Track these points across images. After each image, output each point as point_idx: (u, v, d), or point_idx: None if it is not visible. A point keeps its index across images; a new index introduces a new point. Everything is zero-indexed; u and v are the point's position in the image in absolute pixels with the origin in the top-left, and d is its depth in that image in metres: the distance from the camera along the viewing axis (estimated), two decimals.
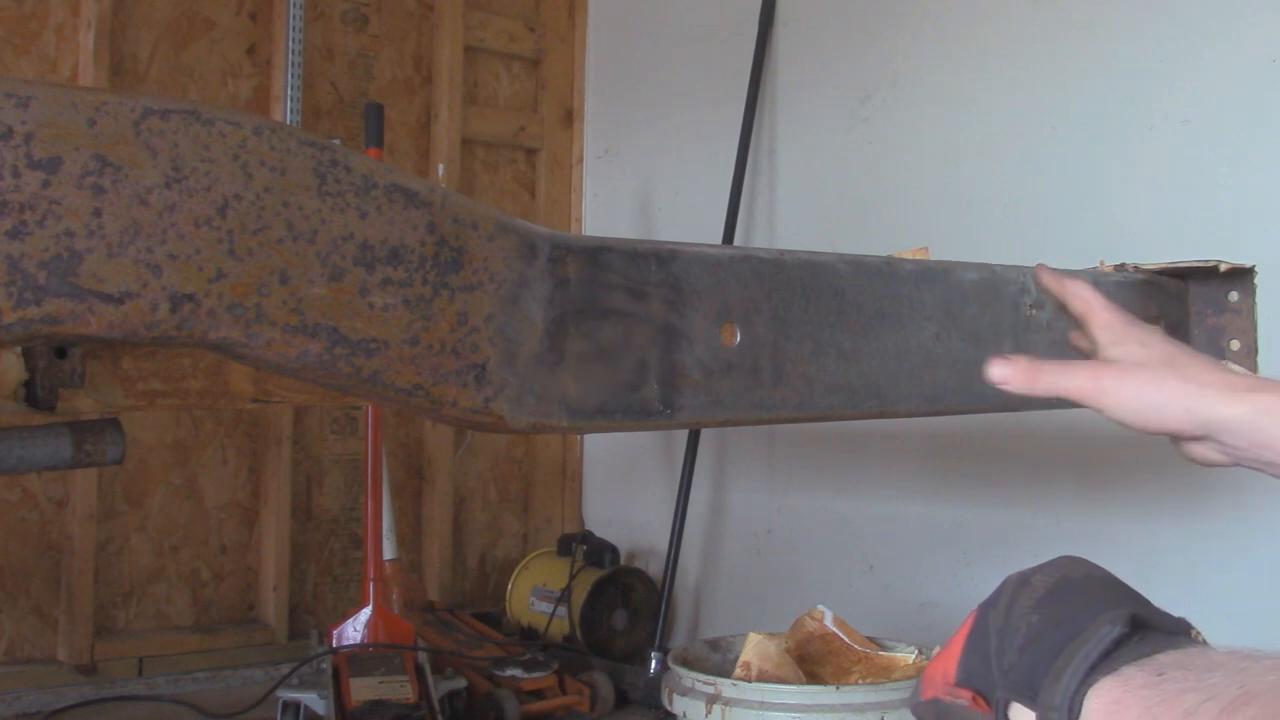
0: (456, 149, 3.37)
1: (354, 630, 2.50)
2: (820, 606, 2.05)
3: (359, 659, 2.35)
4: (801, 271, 1.07)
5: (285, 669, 2.53)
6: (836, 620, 2.03)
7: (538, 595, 3.13)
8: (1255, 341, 1.48)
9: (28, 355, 1.20)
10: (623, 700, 2.72)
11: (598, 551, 3.08)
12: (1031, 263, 1.35)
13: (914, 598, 2.64)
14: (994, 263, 1.27)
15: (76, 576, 2.75)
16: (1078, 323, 1.00)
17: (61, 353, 1.20)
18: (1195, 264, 1.46)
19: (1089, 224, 2.35)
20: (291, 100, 3.00)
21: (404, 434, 3.31)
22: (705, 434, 2.99)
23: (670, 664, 2.00)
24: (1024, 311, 1.27)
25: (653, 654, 2.79)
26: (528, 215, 3.49)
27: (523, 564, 3.26)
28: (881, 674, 1.94)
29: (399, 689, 2.22)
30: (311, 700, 2.30)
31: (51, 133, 0.68)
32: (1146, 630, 0.56)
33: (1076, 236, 2.35)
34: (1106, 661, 0.54)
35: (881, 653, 2.00)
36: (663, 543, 3.05)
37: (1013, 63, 2.52)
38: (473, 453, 3.45)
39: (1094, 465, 2.32)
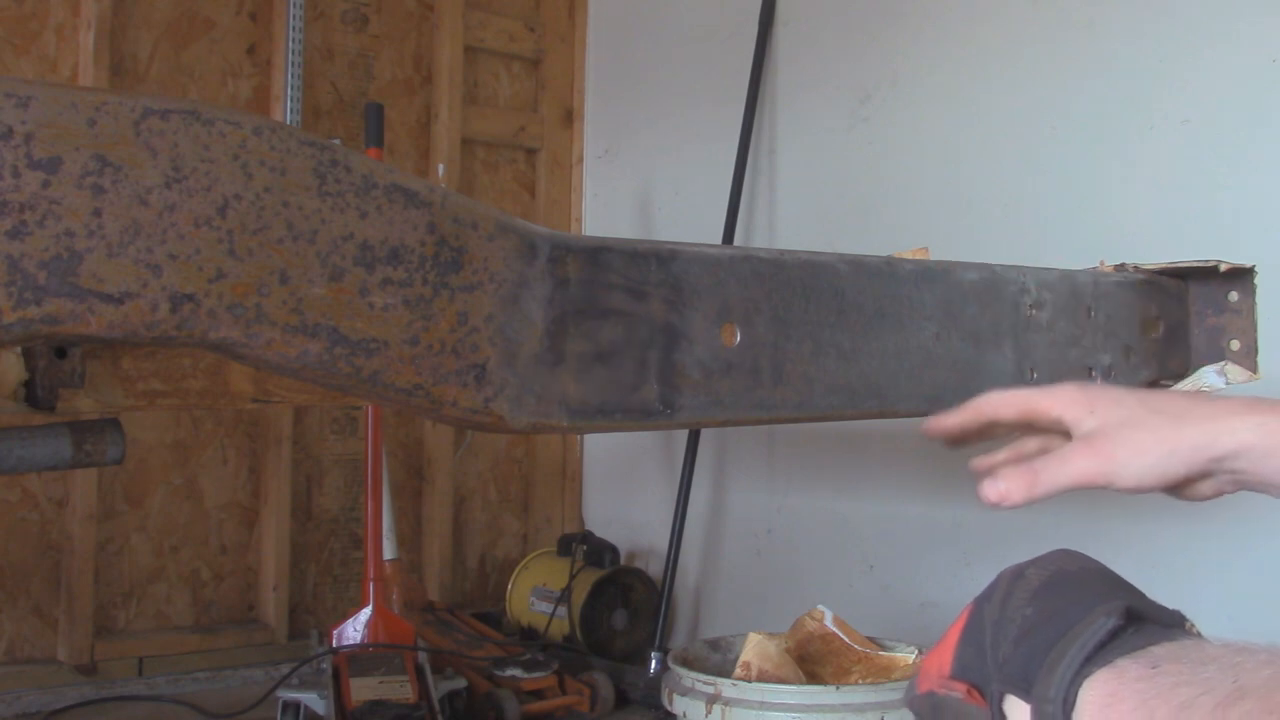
0: (456, 149, 3.37)
1: (354, 630, 2.50)
2: (820, 606, 2.05)
3: (359, 659, 2.35)
4: (801, 271, 1.07)
5: (285, 669, 2.52)
6: (836, 620, 2.03)
7: (538, 595, 3.13)
8: (1255, 341, 1.48)
9: (28, 355, 1.20)
10: (623, 700, 2.72)
11: (598, 551, 3.08)
12: (1032, 263, 1.35)
13: (914, 598, 2.64)
14: (994, 263, 1.27)
15: (76, 576, 2.75)
16: (1021, 431, 0.93)
17: (61, 353, 1.20)
18: (1195, 264, 1.46)
19: (1089, 224, 2.35)
20: (291, 100, 3.00)
21: (404, 434, 3.30)
22: (705, 434, 2.99)
23: (670, 664, 2.00)
24: (1024, 311, 1.27)
25: (653, 654, 2.79)
26: (528, 215, 3.49)
27: (523, 564, 3.26)
28: (881, 674, 1.94)
29: (399, 689, 2.22)
30: (311, 700, 2.30)
31: (51, 133, 0.68)
32: (1141, 622, 0.56)
33: (1076, 236, 2.35)
34: (1101, 654, 0.54)
35: (881, 653, 2.00)
36: (663, 543, 3.05)
37: (1013, 63, 2.52)
38: (473, 453, 3.45)
39: None
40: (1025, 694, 0.57)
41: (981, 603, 0.65)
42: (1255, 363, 1.48)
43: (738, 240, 3.00)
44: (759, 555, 3.02)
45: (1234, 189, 2.15)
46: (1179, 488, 0.85)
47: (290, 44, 3.00)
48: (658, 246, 0.99)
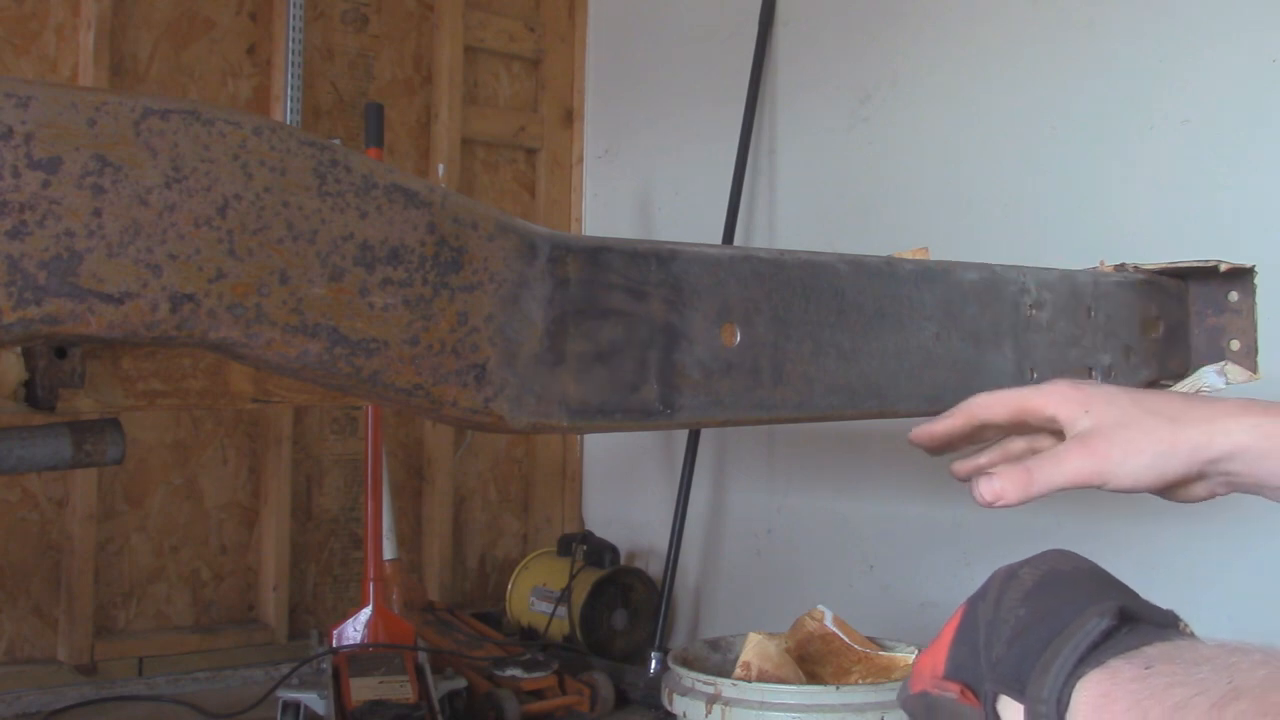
0: (456, 149, 3.37)
1: (354, 630, 2.50)
2: (820, 606, 2.05)
3: (359, 659, 2.35)
4: (801, 271, 1.07)
5: (285, 669, 2.53)
6: (836, 620, 2.03)
7: (538, 595, 3.13)
8: (1255, 341, 1.48)
9: (28, 355, 1.20)
10: (623, 700, 2.72)
11: (598, 551, 3.08)
12: (1032, 263, 1.35)
13: (914, 598, 2.64)
14: (994, 263, 1.27)
15: (76, 576, 2.75)
16: (1012, 432, 0.92)
17: (61, 353, 1.20)
18: (1195, 264, 1.46)
19: (1089, 224, 2.35)
20: (291, 100, 3.00)
21: (404, 434, 3.30)
22: (705, 434, 2.99)
23: (670, 664, 2.00)
24: (1024, 311, 1.27)
25: (653, 654, 2.79)
26: (528, 215, 3.49)
27: (523, 564, 3.26)
28: (881, 674, 1.94)
29: (399, 689, 2.22)
30: (311, 700, 2.30)
31: (51, 133, 0.68)
32: (1134, 622, 0.56)
33: (1076, 236, 2.35)
34: (1094, 654, 0.54)
35: (881, 653, 2.00)
36: (663, 543, 3.05)
37: (1013, 63, 2.52)
38: (473, 453, 3.45)
39: None
40: (1019, 694, 0.56)
41: (975, 602, 0.65)
42: (1255, 363, 1.48)
43: (738, 240, 3.00)
44: (759, 555, 3.02)
45: (1234, 189, 2.15)
46: (1172, 489, 0.84)
47: (290, 44, 3.00)
48: (658, 246, 0.99)
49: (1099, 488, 0.83)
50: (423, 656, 2.40)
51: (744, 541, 3.07)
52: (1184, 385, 1.47)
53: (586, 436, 3.56)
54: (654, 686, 2.59)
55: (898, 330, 1.14)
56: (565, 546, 3.16)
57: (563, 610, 3.02)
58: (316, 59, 3.14)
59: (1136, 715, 0.50)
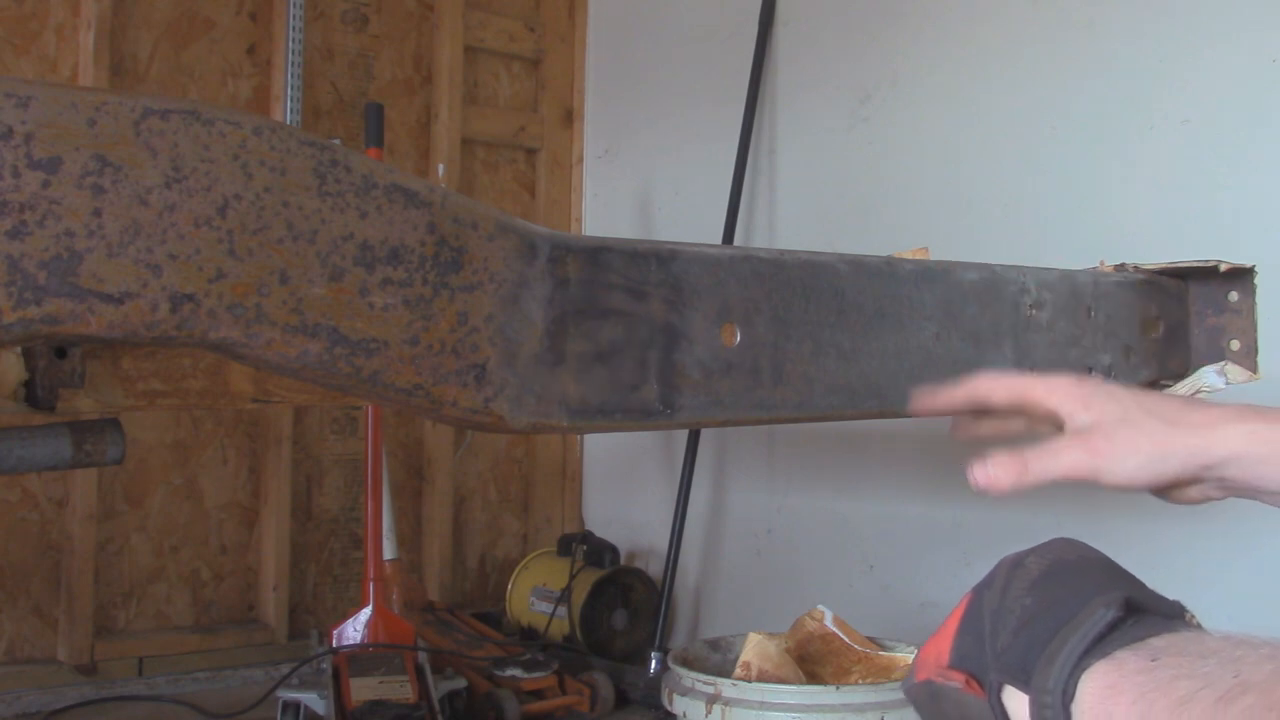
0: (456, 149, 3.37)
1: (354, 630, 2.50)
2: (820, 606, 2.05)
3: (359, 659, 2.35)
4: (801, 271, 1.07)
5: (285, 669, 2.53)
6: (836, 620, 2.03)
7: (538, 595, 3.13)
8: (1255, 341, 1.48)
9: (28, 355, 1.20)
10: (623, 700, 2.72)
11: (598, 551, 3.08)
12: (1032, 263, 1.35)
13: (914, 598, 2.64)
14: (994, 263, 1.27)
15: (76, 576, 2.75)
16: (1014, 414, 0.92)
17: (61, 353, 1.20)
18: (1195, 264, 1.46)
19: (1089, 224, 2.35)
20: (291, 100, 3.00)
21: (404, 434, 3.30)
22: (705, 434, 2.99)
23: (670, 664, 2.00)
24: (1024, 311, 1.27)
25: (653, 654, 2.79)
26: (528, 215, 3.49)
27: (523, 564, 3.26)
28: (881, 674, 1.94)
29: (399, 689, 2.22)
30: (311, 700, 2.30)
31: (51, 133, 0.68)
32: (1141, 613, 0.56)
33: (1076, 236, 2.35)
34: (1100, 645, 0.54)
35: (881, 653, 2.00)
36: (663, 543, 3.05)
37: (1013, 63, 2.52)
38: (473, 453, 3.45)
39: None
40: (1024, 685, 0.56)
41: (980, 591, 0.64)
42: (1255, 363, 1.48)
43: (738, 240, 3.00)
44: (759, 555, 3.02)
45: (1234, 189, 2.15)
46: (1166, 490, 0.85)
47: (290, 44, 3.00)
48: (658, 246, 0.99)
49: (1093, 483, 0.84)
50: (423, 656, 2.40)
51: (744, 541, 3.07)
52: (1184, 385, 1.47)
53: (586, 436, 3.56)
54: (654, 686, 2.59)
55: (898, 330, 1.14)
56: (565, 546, 3.16)
57: (563, 610, 3.02)
58: (316, 59, 3.14)
59: (1142, 708, 0.50)
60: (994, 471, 0.83)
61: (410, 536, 3.27)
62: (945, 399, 0.92)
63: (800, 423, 1.10)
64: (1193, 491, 0.85)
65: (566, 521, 3.57)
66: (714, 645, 2.13)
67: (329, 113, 3.17)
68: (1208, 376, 1.47)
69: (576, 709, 2.58)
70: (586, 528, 3.44)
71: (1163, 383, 1.46)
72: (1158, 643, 0.53)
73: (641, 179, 3.43)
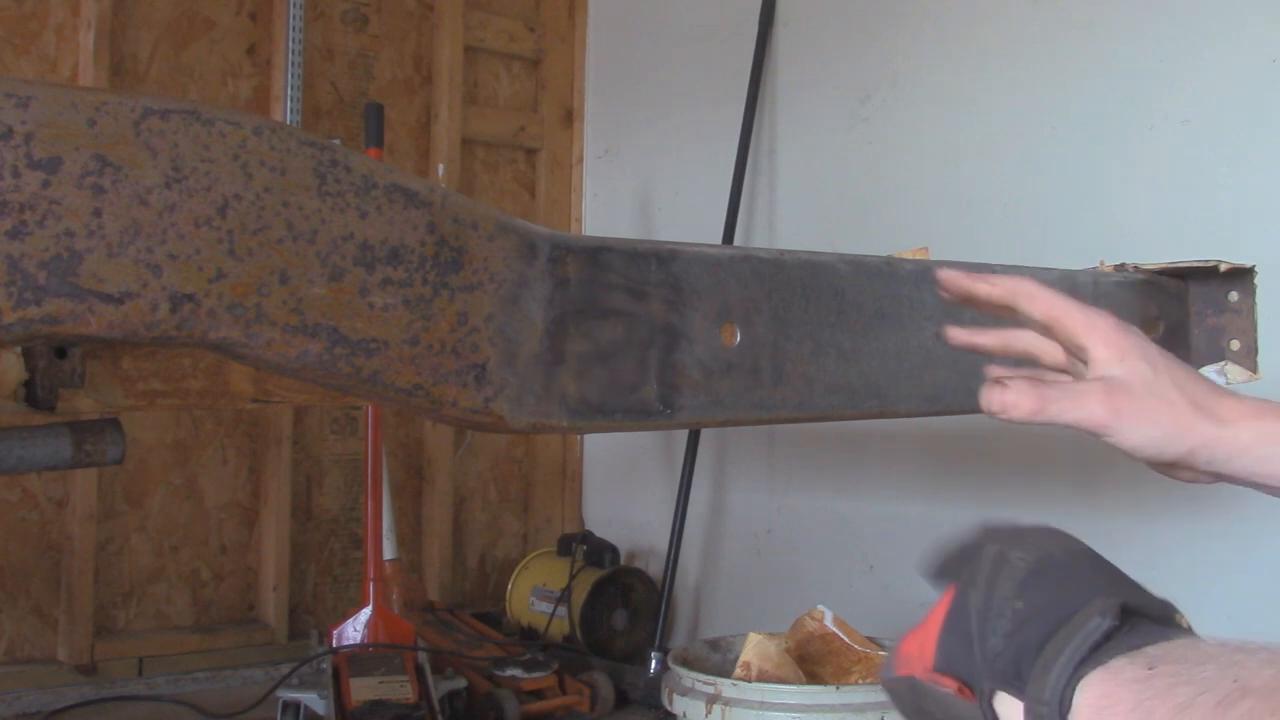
0: (456, 149, 3.37)
1: (354, 630, 2.50)
2: (820, 606, 2.05)
3: (359, 659, 2.35)
4: (801, 271, 1.07)
5: (285, 669, 2.53)
6: (836, 620, 2.03)
7: (538, 595, 3.13)
8: (1255, 341, 1.48)
9: (28, 355, 1.20)
10: (623, 700, 2.72)
11: (598, 551, 3.08)
12: (1032, 263, 1.35)
13: (914, 598, 2.63)
14: (994, 263, 1.27)
15: (76, 576, 2.75)
16: (1037, 330, 0.88)
17: (61, 353, 1.20)
18: (1195, 264, 1.46)
19: (1089, 224, 2.35)
20: (291, 100, 3.00)
21: (404, 434, 3.30)
22: (705, 434, 2.99)
23: (670, 664, 2.00)
24: None
25: (653, 654, 2.79)
26: (528, 215, 3.49)
27: (523, 564, 3.26)
28: None
29: (399, 689, 2.22)
30: (311, 700, 2.30)
31: (51, 133, 0.68)
32: (1135, 618, 0.55)
33: (1076, 236, 2.35)
34: (1096, 654, 0.53)
35: (881, 653, 2.00)
36: (663, 543, 3.05)
37: (1013, 63, 2.52)
38: (473, 453, 3.45)
39: (1094, 465, 2.31)
40: (1018, 691, 0.56)
41: (965, 589, 0.63)
42: (1255, 363, 1.48)
43: (738, 240, 3.00)
44: (759, 555, 3.02)
45: (1234, 189, 2.15)
46: (1165, 466, 0.85)
47: (290, 44, 3.00)
48: (658, 246, 0.99)
49: (1100, 437, 0.82)
50: (423, 656, 2.40)
51: (744, 541, 3.07)
52: None
53: (586, 436, 3.56)
54: (654, 686, 2.59)
55: (898, 330, 1.14)
56: (565, 546, 3.16)
57: (563, 610, 3.02)
58: (316, 59, 3.14)
59: (1140, 716, 0.49)
60: (1012, 398, 0.81)
61: (410, 536, 3.27)
62: (982, 290, 0.88)
63: (800, 423, 1.10)
64: (1185, 473, 0.85)
65: (566, 521, 3.57)
66: (714, 645, 2.13)
67: (329, 113, 3.17)
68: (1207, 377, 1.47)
69: (576, 709, 2.58)
70: (586, 528, 3.44)
71: None
72: (1154, 650, 0.53)
73: (641, 179, 3.43)
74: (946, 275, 0.90)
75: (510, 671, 2.56)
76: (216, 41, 3.00)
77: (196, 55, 2.97)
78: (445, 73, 3.34)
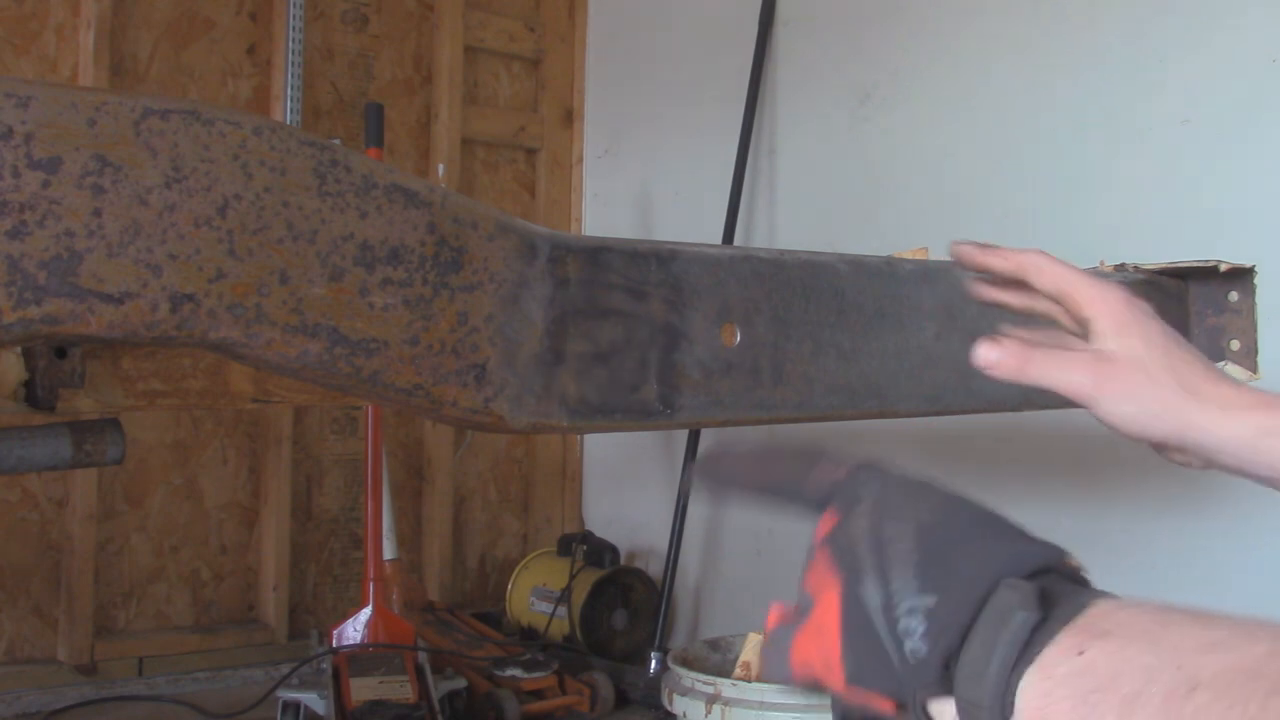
0: (456, 149, 3.37)
1: (354, 630, 2.50)
2: None
3: (359, 659, 2.35)
4: (801, 271, 1.07)
5: (285, 669, 2.53)
6: None
7: (538, 595, 3.13)
8: (1255, 341, 1.48)
9: (28, 355, 1.20)
10: (623, 700, 2.72)
11: (598, 551, 3.08)
12: None
13: None
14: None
15: (76, 576, 2.75)
16: (1049, 300, 0.88)
17: (61, 353, 1.20)
18: (1195, 264, 1.46)
19: (1089, 224, 2.35)
20: (291, 100, 3.00)
21: (404, 434, 3.30)
22: (705, 434, 2.99)
23: (670, 664, 2.00)
24: None
25: (653, 654, 2.79)
26: (528, 215, 3.49)
27: (523, 564, 3.26)
28: None
29: (399, 689, 2.22)
30: (311, 700, 2.30)
31: (51, 133, 0.68)
32: (1049, 598, 0.54)
33: (1076, 236, 2.35)
34: (1026, 652, 0.52)
35: None
36: (663, 543, 3.05)
37: (1013, 63, 2.52)
38: (473, 453, 3.45)
39: (1094, 465, 2.31)
40: (950, 696, 0.54)
41: (853, 581, 0.60)
42: (1255, 363, 1.48)
43: (738, 240, 3.00)
44: (759, 555, 3.02)
45: (1234, 189, 2.15)
46: (1155, 445, 0.84)
47: (290, 44, 3.00)
48: (658, 246, 0.99)
49: (1084, 406, 0.82)
50: (423, 656, 2.40)
51: (744, 541, 3.06)
52: None
53: (586, 436, 3.56)
54: (654, 686, 2.59)
55: (898, 330, 1.14)
56: (565, 546, 3.16)
57: (563, 610, 3.02)
58: (316, 59, 3.14)
59: (1084, 711, 0.48)
60: (998, 356, 0.81)
61: (410, 536, 3.27)
62: (996, 259, 0.88)
63: (800, 423, 1.10)
64: (1176, 454, 0.84)
65: (566, 521, 3.57)
66: (714, 645, 2.13)
67: (329, 113, 3.17)
68: None
69: (576, 709, 2.58)
70: (586, 528, 3.44)
71: None
72: (1079, 626, 0.51)
73: (641, 179, 3.43)
74: (961, 249, 0.90)
75: (510, 671, 2.56)
76: (216, 41, 3.00)
77: (196, 55, 2.97)
78: (445, 73, 3.34)
